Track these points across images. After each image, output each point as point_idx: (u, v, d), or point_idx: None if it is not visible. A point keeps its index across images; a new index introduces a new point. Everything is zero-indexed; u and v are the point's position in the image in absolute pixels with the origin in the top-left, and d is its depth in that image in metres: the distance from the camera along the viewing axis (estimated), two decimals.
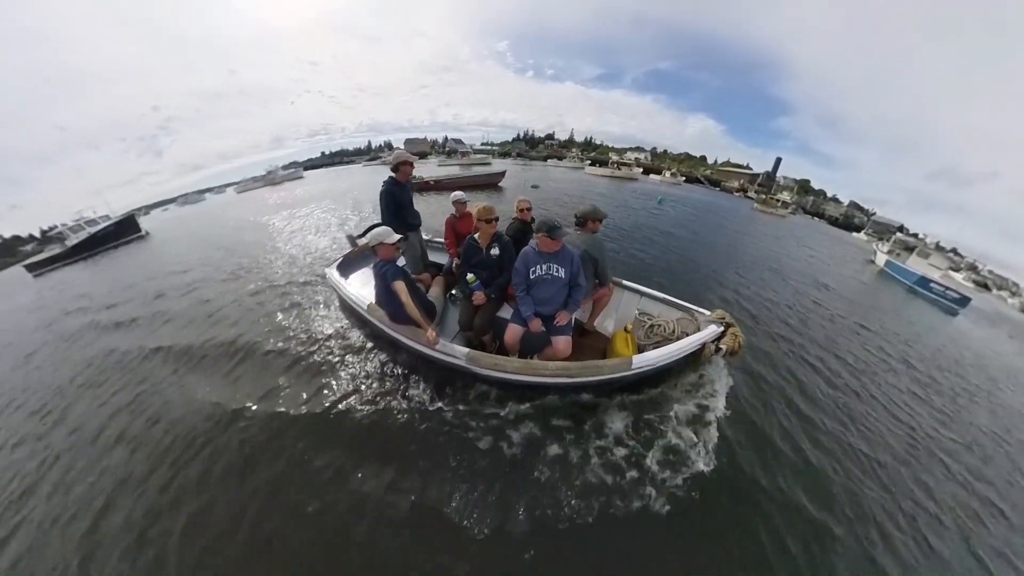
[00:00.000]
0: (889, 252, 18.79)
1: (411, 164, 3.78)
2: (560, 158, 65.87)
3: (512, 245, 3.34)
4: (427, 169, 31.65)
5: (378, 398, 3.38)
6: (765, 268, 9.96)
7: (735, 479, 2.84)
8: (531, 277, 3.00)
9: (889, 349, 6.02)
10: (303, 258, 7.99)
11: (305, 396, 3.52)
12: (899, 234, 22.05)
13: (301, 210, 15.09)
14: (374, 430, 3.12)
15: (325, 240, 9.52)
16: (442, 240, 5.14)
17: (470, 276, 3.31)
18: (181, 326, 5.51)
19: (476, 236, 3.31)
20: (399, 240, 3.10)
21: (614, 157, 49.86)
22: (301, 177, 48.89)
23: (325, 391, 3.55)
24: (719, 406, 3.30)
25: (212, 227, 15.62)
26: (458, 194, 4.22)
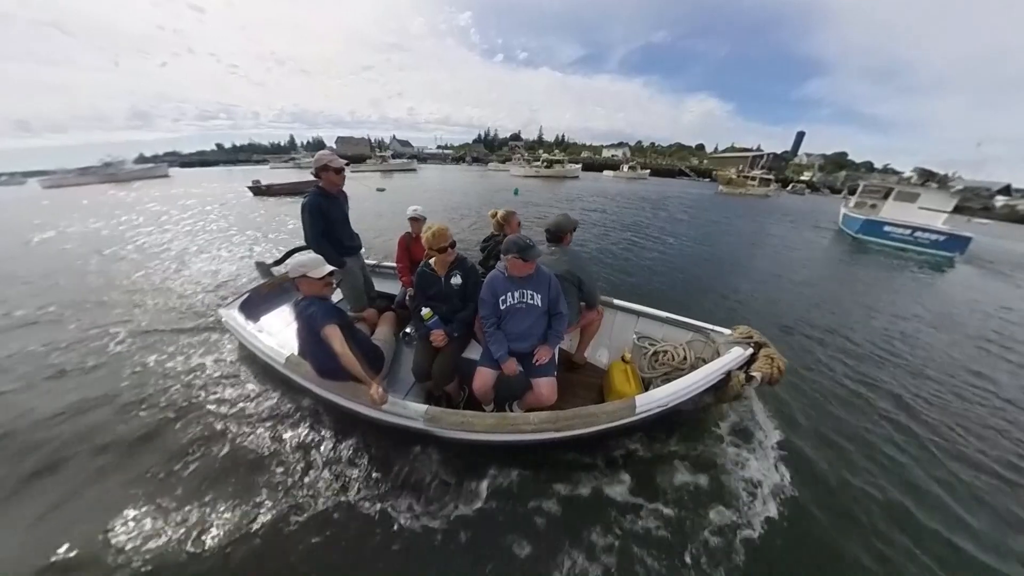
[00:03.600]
0: (857, 206, 14.97)
1: (338, 170, 2.87)
2: (504, 160, 63.03)
3: (477, 270, 2.66)
4: (267, 174, 29.17)
5: (302, 493, 2.34)
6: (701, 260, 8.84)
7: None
8: (501, 308, 2.41)
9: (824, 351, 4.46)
10: (180, 294, 5.56)
11: (177, 519, 2.18)
12: (873, 180, 16.43)
13: (177, 222, 11.97)
14: (293, 555, 2.04)
15: (220, 267, 7.00)
16: (392, 264, 4.39)
17: (425, 311, 2.59)
18: None
19: (431, 262, 2.61)
20: (330, 273, 2.35)
21: (545, 155, 47.43)
22: (165, 175, 39.13)
23: (215, 502, 2.28)
24: (767, 455, 2.62)
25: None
26: (415, 209, 3.48)
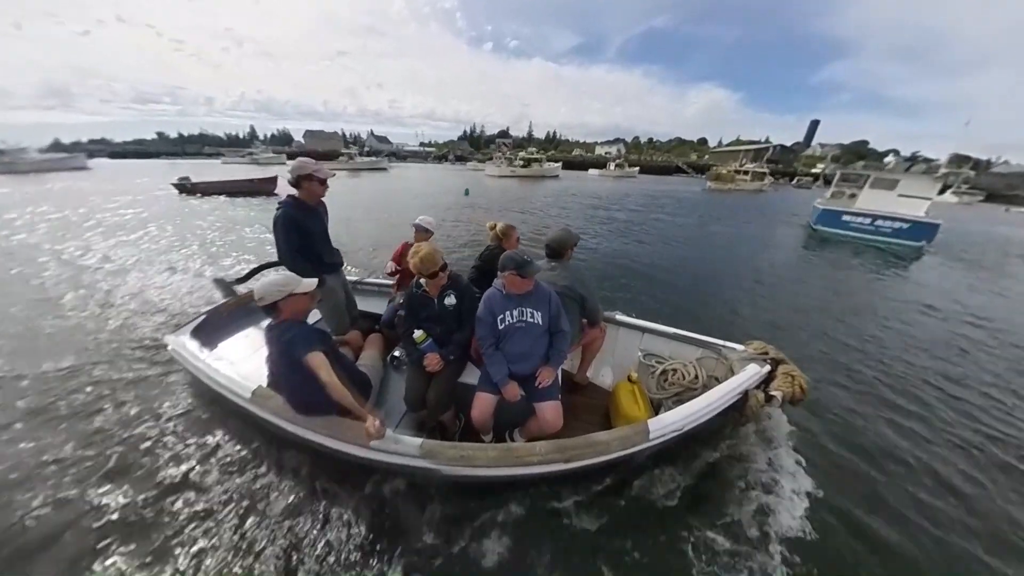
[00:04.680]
0: (834, 196, 13.90)
1: (321, 181, 2.56)
2: (487, 159, 58.77)
3: (472, 289, 2.46)
4: (219, 170, 26.25)
5: (279, 552, 1.98)
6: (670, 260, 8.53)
7: None
8: (500, 328, 2.22)
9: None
10: (114, 317, 4.57)
11: None
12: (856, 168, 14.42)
13: (78, 225, 10.04)
14: None
15: (167, 281, 5.88)
16: (376, 281, 4.10)
17: (418, 333, 2.38)
18: None
19: (423, 283, 2.41)
20: (313, 291, 2.12)
21: (522, 154, 45.72)
22: (83, 168, 33.91)
23: None
24: (798, 487, 2.38)
25: None
26: (424, 219, 3.26)
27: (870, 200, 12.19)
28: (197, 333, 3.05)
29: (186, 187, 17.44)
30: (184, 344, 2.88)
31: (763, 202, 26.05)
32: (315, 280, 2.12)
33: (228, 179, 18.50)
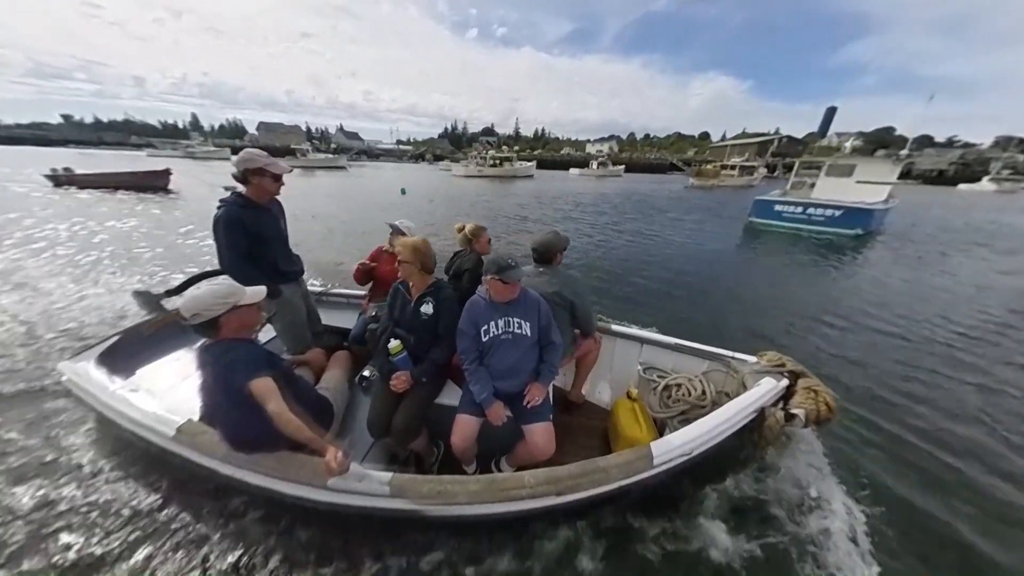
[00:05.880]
0: (794, 186, 13.33)
1: (275, 176, 2.21)
2: (455, 160, 55.80)
3: (456, 302, 2.17)
4: (143, 162, 23.22)
5: None
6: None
7: None
8: (484, 340, 1.96)
9: None
10: None
11: None
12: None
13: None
14: None
15: (55, 301, 4.64)
16: (344, 292, 3.69)
17: (394, 343, 2.06)
18: None
19: (409, 283, 2.13)
20: (262, 301, 1.79)
21: (492, 152, 43.57)
22: None
23: None
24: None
25: None
26: (402, 223, 2.94)
27: (827, 188, 11.70)
28: (107, 358, 2.52)
29: (60, 179, 15.48)
30: (85, 374, 2.33)
31: (737, 198, 23.09)
32: (263, 288, 1.79)
33: (111, 171, 16.64)
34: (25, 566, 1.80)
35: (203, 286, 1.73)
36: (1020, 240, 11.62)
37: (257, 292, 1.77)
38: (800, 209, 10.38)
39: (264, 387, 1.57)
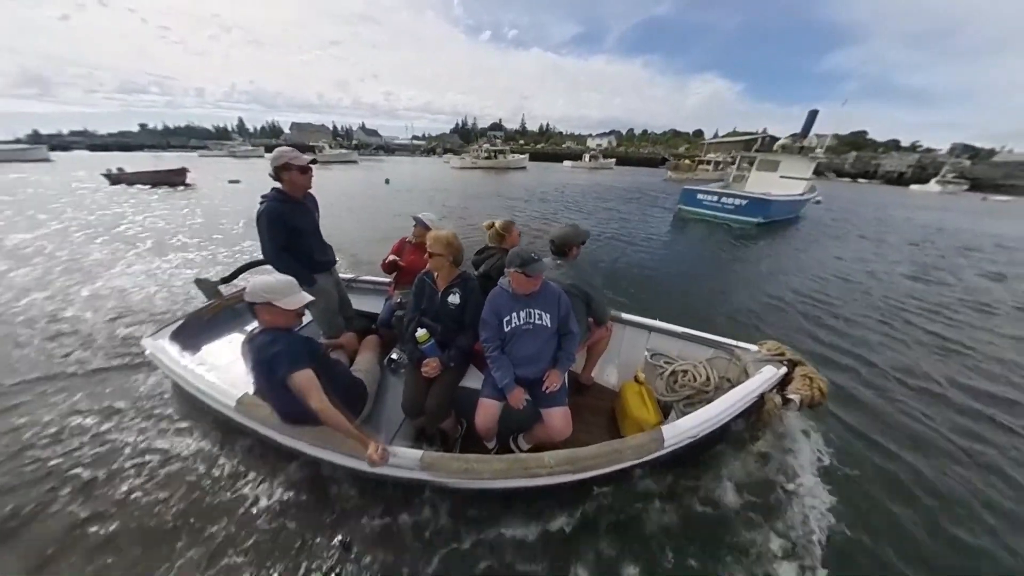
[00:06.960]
0: (735, 179, 14.64)
1: (304, 170, 2.35)
2: (460, 154, 57.48)
3: (479, 292, 2.32)
4: (195, 162, 27.42)
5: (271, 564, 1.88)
6: None
7: None
8: (506, 330, 2.11)
9: None
10: (81, 322, 4.20)
11: None
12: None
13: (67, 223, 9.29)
14: None
15: (141, 284, 5.36)
16: (371, 279, 3.92)
17: (421, 333, 2.24)
18: None
19: (434, 274, 2.29)
20: (299, 308, 1.92)
21: (486, 145, 46.20)
22: (45, 160, 33.56)
23: None
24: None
25: None
26: (425, 216, 3.08)
27: (758, 181, 13.13)
28: (177, 336, 2.85)
29: (114, 177, 18.65)
30: (163, 348, 2.68)
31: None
32: (305, 298, 1.91)
33: (146, 170, 19.54)
34: (107, 489, 2.26)
35: (262, 278, 1.86)
36: (896, 233, 12.23)
37: (296, 300, 1.87)
38: (716, 198, 11.12)
39: (305, 381, 1.72)
